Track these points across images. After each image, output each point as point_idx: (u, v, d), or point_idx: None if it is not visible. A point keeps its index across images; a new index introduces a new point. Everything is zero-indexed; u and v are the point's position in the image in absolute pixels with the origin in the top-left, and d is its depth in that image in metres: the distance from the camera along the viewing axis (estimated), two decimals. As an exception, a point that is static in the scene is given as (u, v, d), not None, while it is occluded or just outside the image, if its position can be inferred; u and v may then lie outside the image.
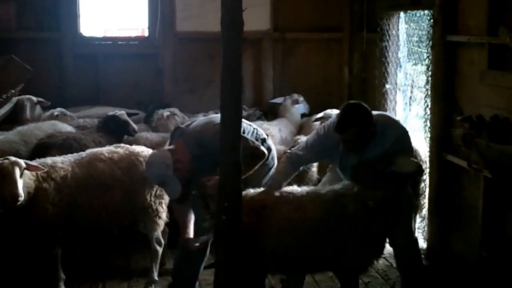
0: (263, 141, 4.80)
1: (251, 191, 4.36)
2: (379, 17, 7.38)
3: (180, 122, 7.02)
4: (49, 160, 5.17)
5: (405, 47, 7.44)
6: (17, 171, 4.73)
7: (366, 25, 7.82)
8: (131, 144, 5.68)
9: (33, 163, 4.96)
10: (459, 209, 5.83)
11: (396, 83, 7.50)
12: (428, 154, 6.08)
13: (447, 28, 5.74)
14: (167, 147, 4.80)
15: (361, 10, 7.95)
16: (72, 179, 5.10)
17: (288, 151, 4.72)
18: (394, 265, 5.28)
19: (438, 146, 5.89)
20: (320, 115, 6.78)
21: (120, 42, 8.55)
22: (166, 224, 5.57)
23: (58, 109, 7.22)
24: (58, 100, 7.66)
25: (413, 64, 7.50)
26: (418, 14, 7.04)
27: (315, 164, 5.96)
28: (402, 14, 7.32)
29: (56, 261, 5.20)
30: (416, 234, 6.27)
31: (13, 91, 6.64)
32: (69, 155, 5.35)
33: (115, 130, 6.35)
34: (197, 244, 4.43)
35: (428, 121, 6.16)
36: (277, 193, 4.32)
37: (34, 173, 4.92)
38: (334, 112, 6.26)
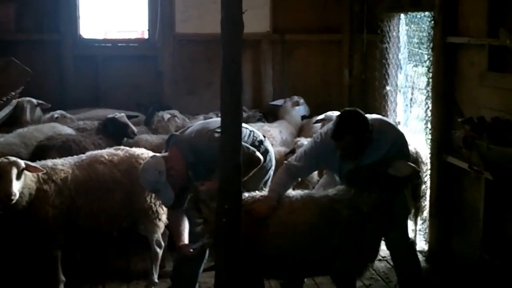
0: (260, 143, 4.76)
1: (246, 195, 4.31)
2: (380, 19, 7.37)
3: (180, 124, 7.03)
4: (49, 162, 5.18)
5: (406, 48, 7.44)
6: (14, 171, 4.72)
7: (366, 26, 7.81)
8: (131, 146, 5.67)
9: (33, 164, 4.95)
10: (460, 211, 5.82)
11: (396, 85, 7.50)
12: (428, 156, 6.07)
13: (447, 30, 5.73)
14: (161, 154, 4.78)
15: (361, 11, 7.93)
16: (73, 181, 5.11)
17: (286, 162, 4.67)
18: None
19: (438, 148, 5.88)
20: (321, 117, 6.76)
21: (120, 44, 8.55)
22: (166, 226, 5.56)
23: (58, 111, 7.20)
24: (58, 102, 7.64)
25: (413, 65, 7.51)
26: (418, 16, 7.04)
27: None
28: (402, 15, 7.32)
29: (56, 263, 5.20)
30: (417, 236, 6.30)
31: (13, 93, 6.63)
32: (70, 157, 5.36)
33: (114, 133, 6.34)
34: (192, 250, 4.42)
35: (428, 123, 6.15)
36: (274, 202, 4.31)
37: (35, 174, 4.92)
38: (335, 114, 6.24)
